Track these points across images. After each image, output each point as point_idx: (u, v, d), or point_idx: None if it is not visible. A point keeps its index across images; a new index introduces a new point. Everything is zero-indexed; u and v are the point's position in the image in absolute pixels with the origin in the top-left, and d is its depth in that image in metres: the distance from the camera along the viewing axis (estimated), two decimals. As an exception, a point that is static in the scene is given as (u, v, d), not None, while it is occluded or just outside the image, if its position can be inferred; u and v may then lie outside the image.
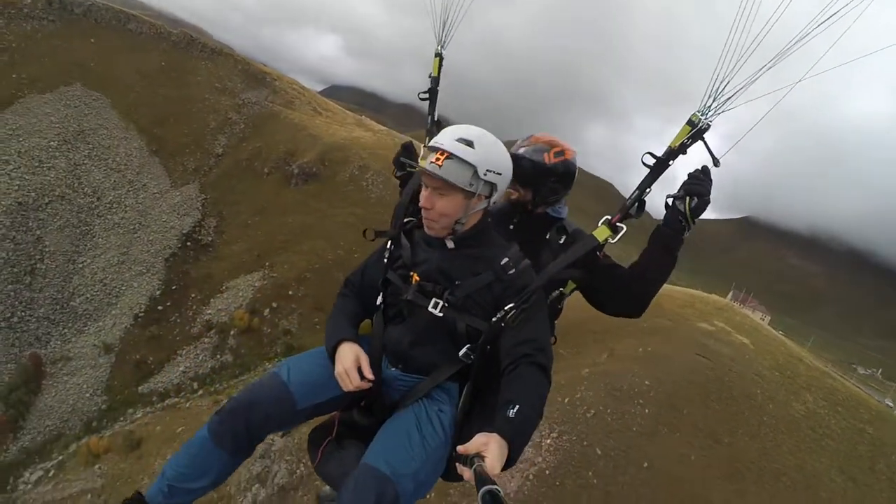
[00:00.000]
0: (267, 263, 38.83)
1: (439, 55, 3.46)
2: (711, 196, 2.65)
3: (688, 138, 2.46)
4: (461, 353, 2.54)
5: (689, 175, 2.63)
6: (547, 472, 10.38)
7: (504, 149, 2.57)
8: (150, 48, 49.43)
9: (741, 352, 14.50)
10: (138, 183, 43.37)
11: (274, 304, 36.72)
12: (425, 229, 2.63)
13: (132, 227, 41.54)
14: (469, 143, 2.47)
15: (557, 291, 3.01)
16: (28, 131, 42.05)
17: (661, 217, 2.63)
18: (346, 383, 2.46)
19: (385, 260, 2.78)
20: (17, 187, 39.73)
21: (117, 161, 43.51)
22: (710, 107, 2.41)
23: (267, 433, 2.53)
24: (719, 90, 2.36)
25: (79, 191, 41.62)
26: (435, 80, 3.46)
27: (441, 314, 2.52)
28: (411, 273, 2.63)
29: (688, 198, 2.57)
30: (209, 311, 37.06)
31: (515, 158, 2.89)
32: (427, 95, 3.46)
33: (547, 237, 3.07)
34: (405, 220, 2.89)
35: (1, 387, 34.91)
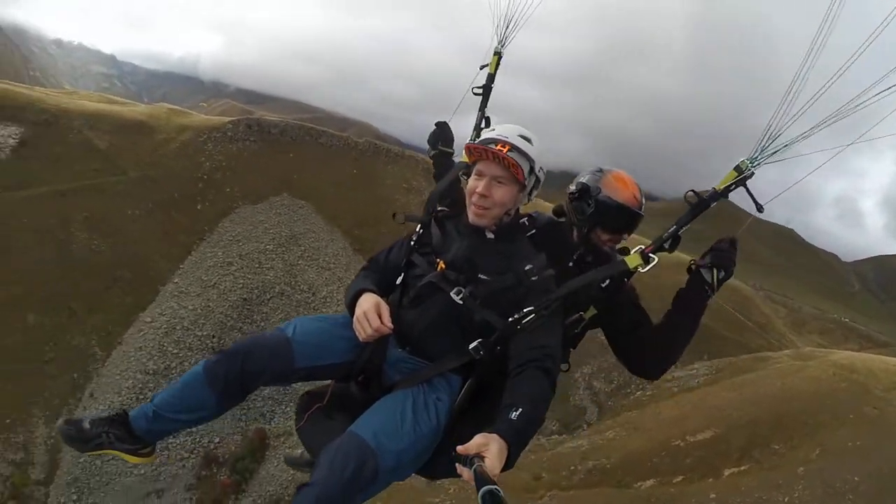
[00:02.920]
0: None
1: (499, 53, 3.58)
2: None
3: (733, 183, 2.55)
4: (471, 346, 2.59)
5: (717, 247, 2.77)
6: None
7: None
8: (341, 158, 55.13)
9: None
10: (347, 279, 47.41)
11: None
12: (473, 218, 2.74)
13: (346, 319, 44.83)
14: (528, 140, 2.70)
15: (577, 314, 3.04)
16: (246, 237, 47.52)
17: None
18: (364, 327, 2.57)
19: (412, 243, 2.91)
20: (241, 285, 44.82)
21: (326, 260, 48.24)
22: (758, 156, 2.49)
23: (260, 384, 2.65)
24: (771, 141, 2.44)
25: (296, 287, 46.29)
26: (490, 78, 3.59)
27: (461, 301, 2.60)
28: (438, 259, 2.75)
29: (714, 270, 2.72)
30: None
31: (617, 206, 2.98)
32: (481, 91, 3.57)
33: None
34: (438, 209, 3.02)
35: (228, 455, 37.22)
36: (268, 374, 2.60)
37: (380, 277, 2.93)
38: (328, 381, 2.93)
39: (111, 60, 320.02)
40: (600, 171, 3.12)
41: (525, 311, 2.52)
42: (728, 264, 2.72)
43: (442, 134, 3.65)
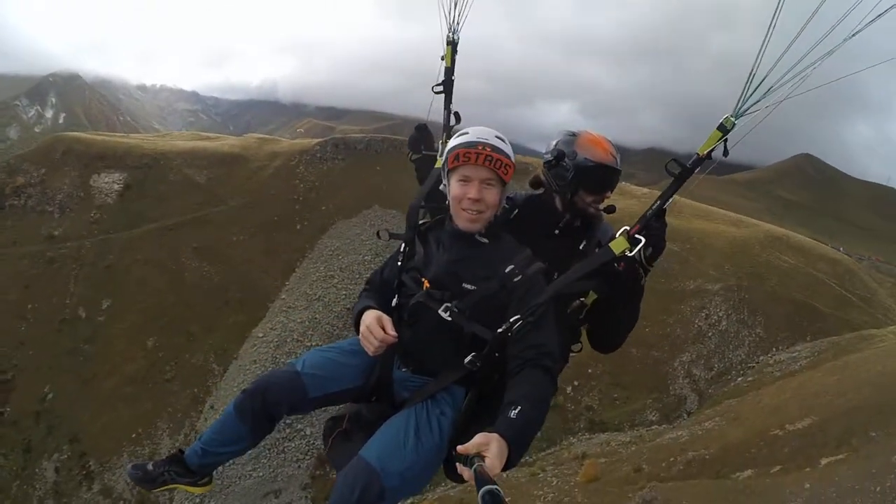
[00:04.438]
0: (568, 345, 39.98)
1: (452, 42, 3.30)
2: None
3: (717, 144, 2.40)
4: (466, 360, 2.62)
5: (646, 224, 2.61)
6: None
7: None
8: (425, 164, 55.52)
9: None
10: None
11: (575, 383, 36.72)
12: (466, 224, 2.73)
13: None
14: (503, 140, 2.70)
15: (578, 301, 3.02)
16: (344, 250, 49.38)
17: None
18: (370, 341, 2.63)
19: (399, 263, 2.93)
20: (343, 296, 46.72)
21: (422, 265, 48.11)
22: (743, 109, 2.32)
23: (283, 413, 2.85)
24: (753, 90, 2.27)
25: (395, 293, 46.15)
26: (449, 71, 3.35)
27: (449, 318, 2.62)
28: (423, 278, 2.76)
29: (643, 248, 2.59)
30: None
31: (596, 166, 2.93)
32: (441, 88, 3.34)
33: (581, 248, 3.05)
34: (420, 221, 3.01)
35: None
36: (285, 405, 2.78)
37: (379, 297, 3.00)
38: (346, 405, 3.10)
39: (194, 97, 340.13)
40: (573, 134, 3.08)
41: (511, 320, 2.54)
42: (658, 241, 2.66)
43: (423, 137, 3.59)
